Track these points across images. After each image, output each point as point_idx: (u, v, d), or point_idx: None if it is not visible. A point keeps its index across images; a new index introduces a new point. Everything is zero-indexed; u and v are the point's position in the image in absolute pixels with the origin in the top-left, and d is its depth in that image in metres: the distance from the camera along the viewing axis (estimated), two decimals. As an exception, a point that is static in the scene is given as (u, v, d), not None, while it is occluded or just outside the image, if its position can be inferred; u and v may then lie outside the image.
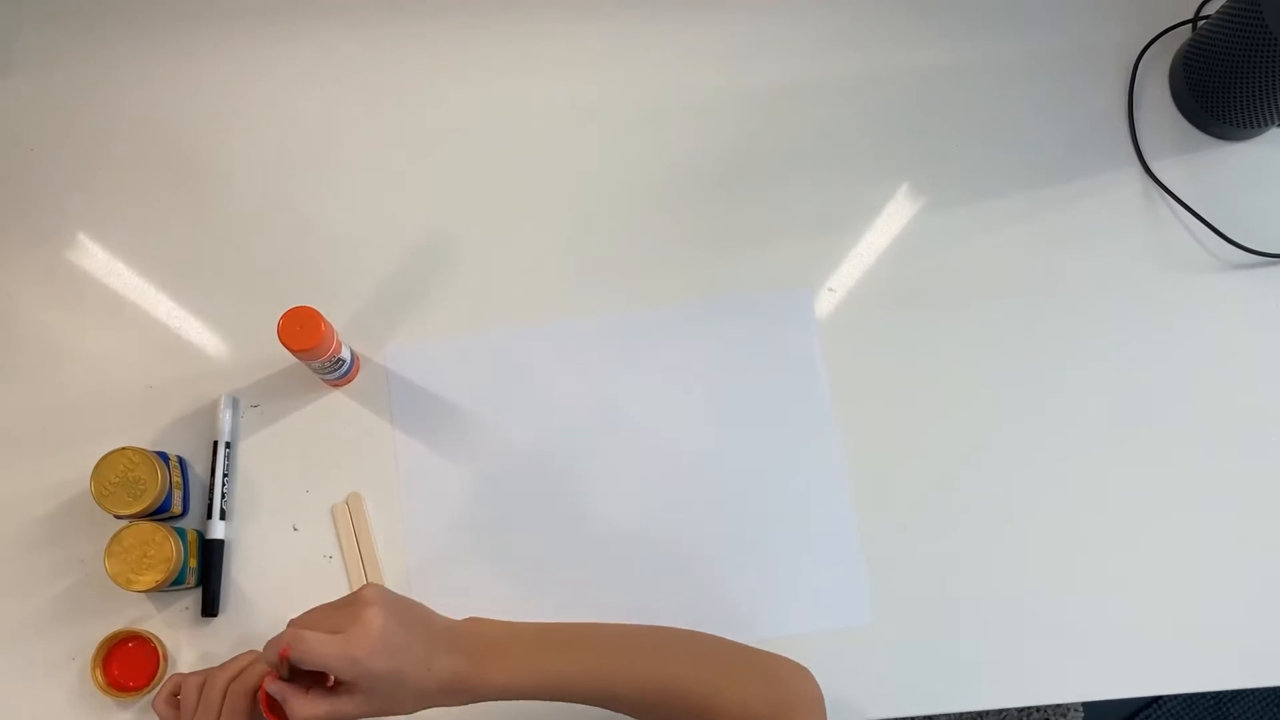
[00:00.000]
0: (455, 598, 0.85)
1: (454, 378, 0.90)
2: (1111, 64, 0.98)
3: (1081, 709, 1.77)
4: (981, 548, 0.88)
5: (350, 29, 0.97)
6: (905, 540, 0.88)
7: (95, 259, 0.92)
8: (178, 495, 0.84)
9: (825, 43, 0.98)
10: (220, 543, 0.85)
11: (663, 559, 0.87)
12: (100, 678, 0.81)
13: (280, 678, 0.65)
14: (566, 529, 0.87)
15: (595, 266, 0.93)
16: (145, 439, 0.87)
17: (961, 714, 1.75)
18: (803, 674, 0.73)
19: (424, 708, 0.66)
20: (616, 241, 0.93)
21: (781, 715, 0.70)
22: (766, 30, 0.98)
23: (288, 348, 0.78)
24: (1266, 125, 0.93)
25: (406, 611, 0.67)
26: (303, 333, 0.78)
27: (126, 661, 0.83)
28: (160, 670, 0.82)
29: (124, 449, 0.81)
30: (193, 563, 0.83)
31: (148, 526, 0.80)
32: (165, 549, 0.80)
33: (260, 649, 0.79)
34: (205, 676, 0.75)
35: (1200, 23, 0.97)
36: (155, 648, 0.83)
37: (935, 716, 1.74)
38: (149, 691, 0.82)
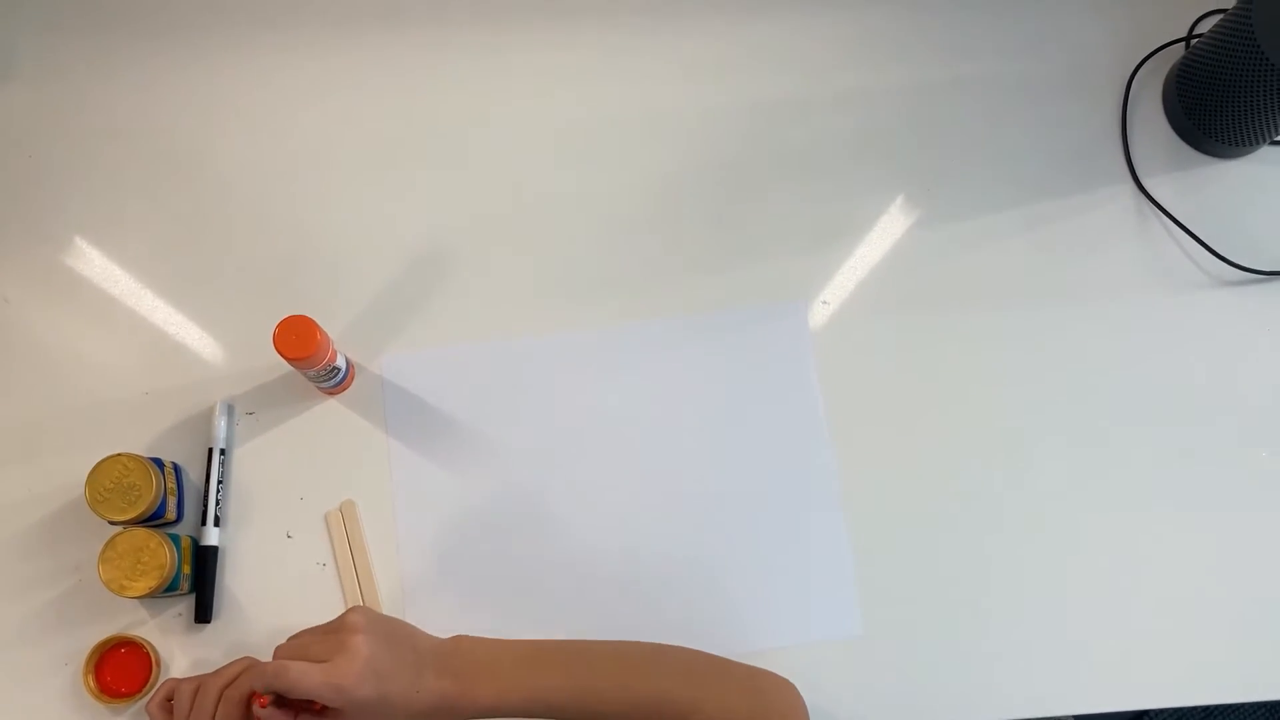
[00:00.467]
0: (448, 607, 0.86)
1: (449, 387, 0.90)
2: (1105, 81, 0.98)
3: (1073, 721, 1.77)
4: (974, 561, 0.88)
5: (350, 39, 0.97)
6: (897, 553, 0.88)
7: (92, 264, 0.92)
8: (172, 502, 0.84)
9: (820, 57, 0.98)
10: (214, 549, 0.85)
11: (656, 570, 0.87)
12: (93, 684, 0.81)
13: (269, 703, 0.65)
14: (559, 539, 0.87)
15: (591, 279, 0.93)
16: (140, 445, 0.87)
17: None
18: (786, 687, 0.73)
19: None
20: (612, 254, 0.94)
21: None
22: (763, 45, 0.98)
23: (283, 356, 0.78)
24: (1259, 143, 0.94)
25: (393, 634, 0.68)
26: (298, 341, 0.78)
27: (119, 667, 0.83)
28: (153, 676, 0.82)
29: (119, 455, 0.81)
30: (186, 569, 0.83)
31: (142, 533, 0.80)
32: (159, 555, 0.80)
33: (253, 657, 0.80)
34: (199, 683, 0.75)
35: (1193, 41, 0.97)
36: (148, 654, 0.83)
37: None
38: (141, 698, 0.82)
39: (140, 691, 0.82)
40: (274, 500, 0.87)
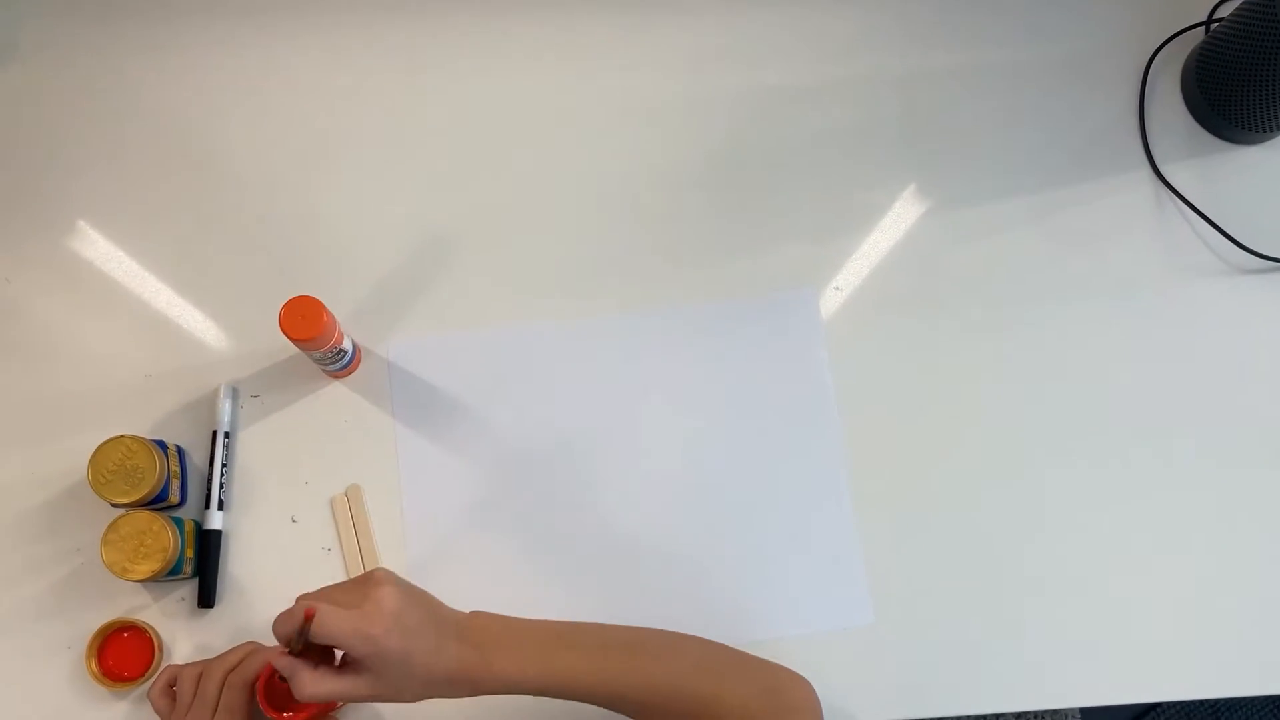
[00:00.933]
0: (455, 591, 0.84)
1: (456, 372, 0.89)
2: (1123, 66, 0.97)
3: (1079, 715, 1.77)
4: (984, 552, 0.87)
5: (357, 26, 0.96)
6: (908, 542, 0.87)
7: (96, 246, 0.91)
8: (175, 485, 0.84)
9: (834, 43, 0.97)
10: (218, 533, 0.84)
11: (663, 558, 0.86)
12: (95, 667, 0.81)
13: (290, 653, 0.64)
14: (567, 526, 0.86)
15: (600, 266, 0.92)
16: (144, 428, 0.86)
17: (959, 718, 1.75)
18: (802, 683, 0.73)
19: (428, 696, 0.66)
20: (622, 241, 0.92)
21: (789, 713, 0.70)
22: (777, 30, 0.97)
23: (289, 337, 0.77)
24: (1279, 129, 0.93)
25: (418, 597, 0.67)
26: (305, 322, 0.77)
27: (122, 651, 0.82)
28: (155, 661, 0.82)
29: (122, 437, 0.80)
30: (190, 553, 0.82)
31: (145, 515, 0.79)
32: (162, 538, 0.79)
33: (257, 641, 0.79)
34: (202, 668, 0.74)
35: (1213, 25, 0.96)
36: (151, 638, 0.82)
37: (933, 720, 1.73)
38: (144, 682, 0.82)
39: (143, 676, 0.81)
40: (279, 484, 0.86)
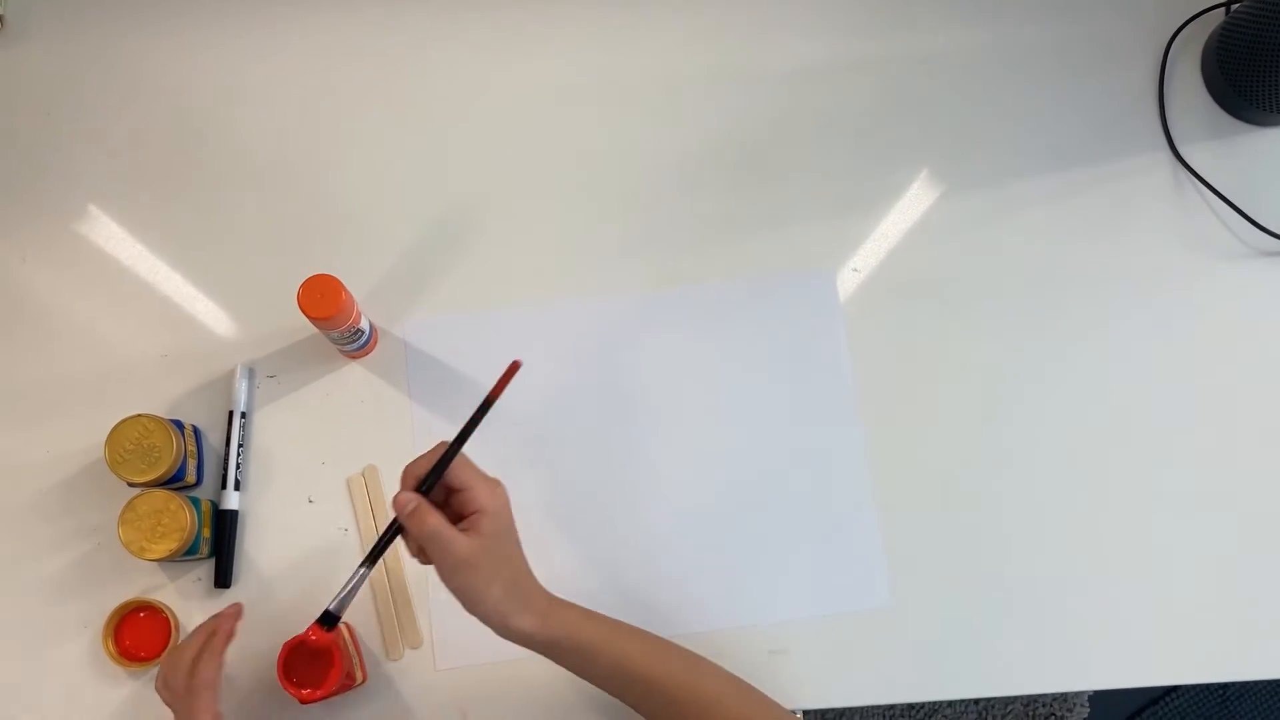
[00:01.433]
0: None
1: (473, 352, 0.89)
2: (1142, 47, 0.96)
3: (1088, 704, 1.77)
4: (1001, 533, 0.87)
5: (373, 4, 0.95)
6: (925, 523, 0.87)
7: (112, 226, 0.90)
8: (192, 464, 0.83)
9: (851, 23, 0.96)
10: (234, 513, 0.84)
11: (680, 540, 0.86)
12: (112, 647, 0.81)
13: (419, 491, 0.66)
14: (584, 506, 0.86)
15: (617, 246, 0.91)
16: (160, 408, 0.86)
17: (965, 703, 1.75)
18: None
19: (502, 607, 0.66)
20: (639, 221, 0.92)
21: None
22: (793, 11, 0.96)
23: (307, 315, 0.77)
24: (1300, 111, 0.92)
25: None
26: (323, 301, 0.77)
27: (138, 631, 0.82)
28: (172, 641, 0.81)
29: (139, 416, 0.80)
30: (206, 533, 0.82)
31: (162, 495, 0.79)
32: (179, 518, 0.79)
33: (223, 617, 0.79)
34: (183, 655, 0.74)
35: (1234, 6, 0.95)
36: (167, 618, 0.82)
37: (939, 703, 1.73)
38: (160, 661, 0.81)
39: (159, 656, 0.81)
40: (295, 464, 0.86)
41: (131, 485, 0.81)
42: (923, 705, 1.74)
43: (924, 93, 0.95)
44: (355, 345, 0.85)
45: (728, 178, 0.93)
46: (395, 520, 0.66)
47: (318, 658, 0.77)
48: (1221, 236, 0.92)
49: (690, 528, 0.86)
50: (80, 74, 0.93)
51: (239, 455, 0.85)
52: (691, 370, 0.89)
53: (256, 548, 0.85)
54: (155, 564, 0.83)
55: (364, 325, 0.84)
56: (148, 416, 0.80)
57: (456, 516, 0.67)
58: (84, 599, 0.83)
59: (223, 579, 0.83)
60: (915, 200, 0.93)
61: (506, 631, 0.67)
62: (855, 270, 0.91)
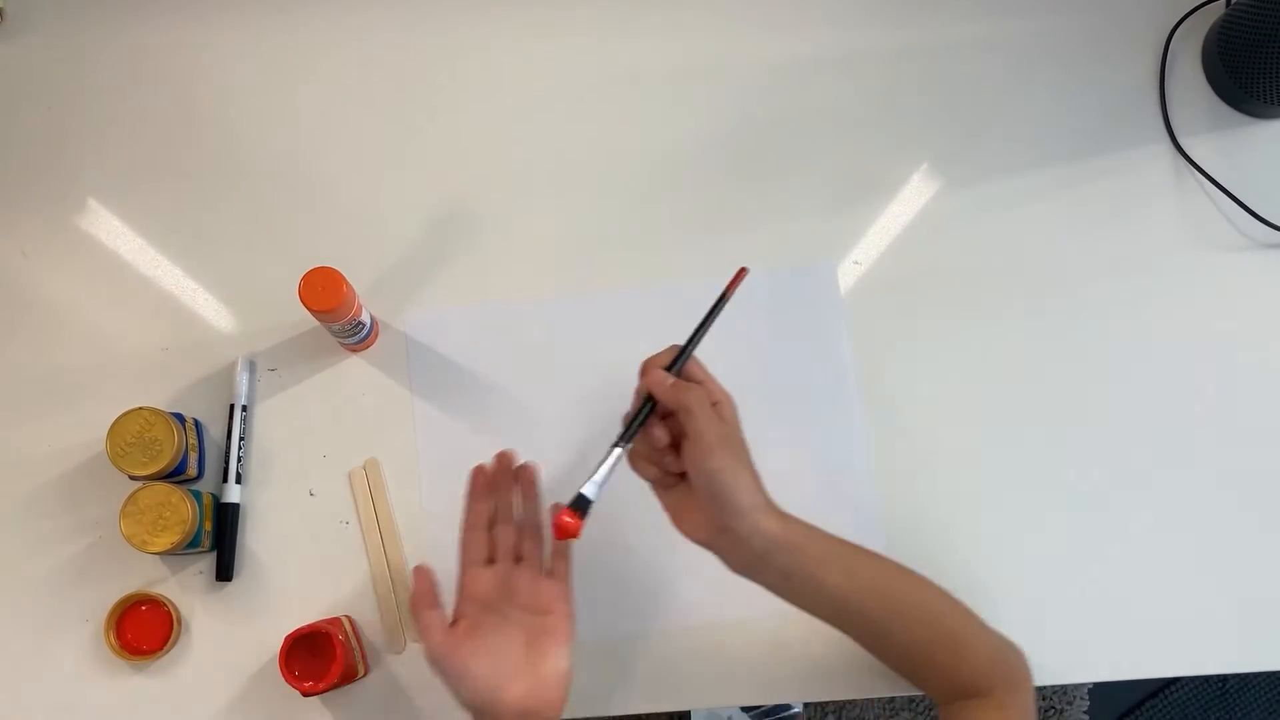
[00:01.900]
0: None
1: (474, 346, 0.89)
2: (1143, 39, 0.96)
3: (1087, 697, 1.77)
4: (1002, 525, 0.87)
5: (372, -8, 0.95)
6: (926, 515, 0.87)
7: (112, 219, 0.90)
8: (193, 458, 0.83)
9: (852, 16, 0.96)
10: (235, 506, 0.84)
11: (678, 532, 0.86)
12: (114, 640, 0.81)
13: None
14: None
15: (619, 240, 0.91)
16: (162, 402, 0.86)
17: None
18: (1023, 655, 0.74)
19: (756, 499, 0.66)
20: (641, 214, 0.92)
21: (1017, 682, 0.72)
22: (793, 4, 0.96)
23: (308, 308, 0.77)
24: (1301, 103, 0.92)
25: None
26: (324, 293, 0.77)
27: (140, 624, 0.82)
28: (174, 634, 0.82)
29: (140, 409, 0.80)
30: (208, 526, 0.82)
31: (163, 488, 0.79)
32: (181, 511, 0.79)
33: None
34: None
35: (1235, -2, 0.95)
36: (169, 611, 0.82)
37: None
38: (162, 654, 0.82)
39: (161, 649, 0.81)
40: (296, 458, 0.86)
41: (133, 478, 0.81)
42: (923, 698, 1.74)
43: (924, 85, 0.95)
44: (356, 338, 0.85)
45: (728, 171, 0.93)
46: (649, 397, 0.67)
47: (319, 651, 0.78)
48: (1222, 229, 0.92)
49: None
50: (80, 68, 0.93)
51: (240, 448, 0.85)
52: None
53: (258, 540, 0.85)
54: (157, 557, 0.83)
55: (365, 318, 0.84)
56: (149, 410, 0.80)
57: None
58: (86, 592, 0.83)
59: (224, 572, 0.83)
60: (916, 193, 0.93)
61: (755, 530, 0.66)
62: (857, 263, 0.91)
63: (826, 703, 1.73)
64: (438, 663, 0.69)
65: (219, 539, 0.84)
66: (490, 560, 0.76)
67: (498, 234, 0.91)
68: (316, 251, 0.89)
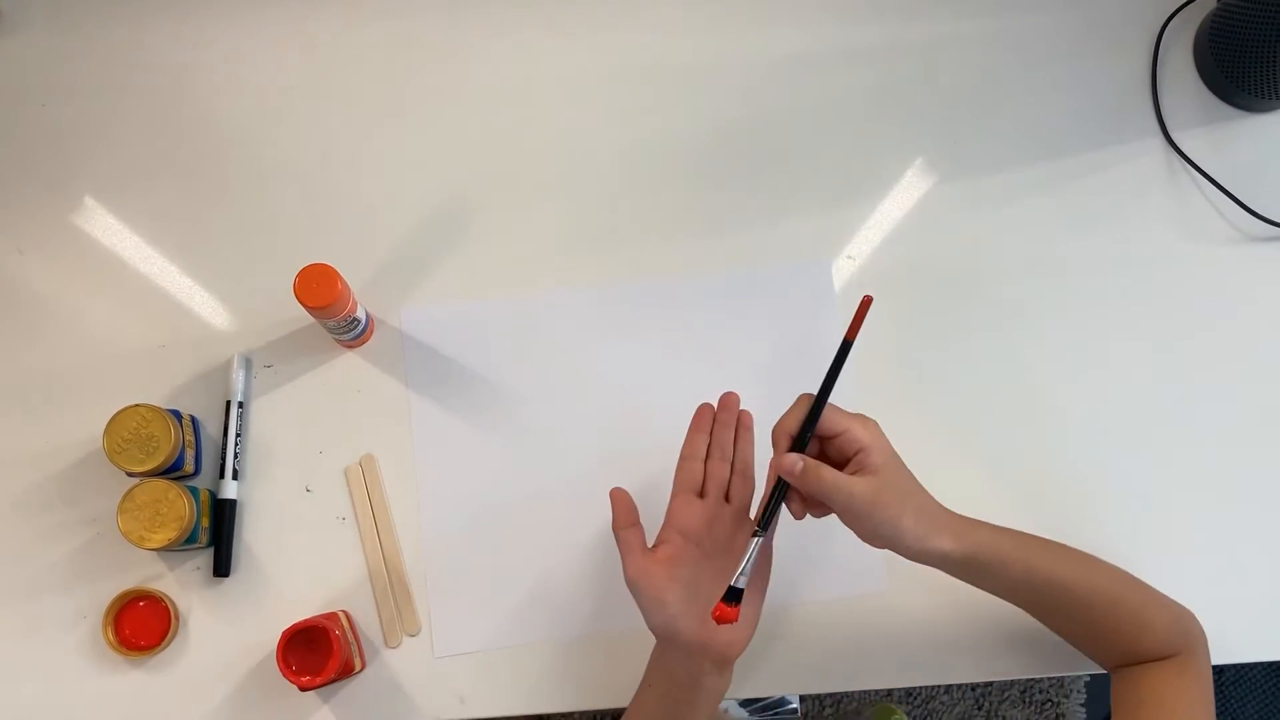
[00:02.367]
0: (469, 561, 0.85)
1: (470, 341, 0.89)
2: (1135, 34, 0.97)
3: (1084, 690, 1.78)
4: (999, 519, 0.86)
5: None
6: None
7: (108, 216, 0.91)
8: (190, 454, 0.84)
9: (844, 12, 0.96)
10: (232, 503, 0.85)
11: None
12: (111, 636, 0.81)
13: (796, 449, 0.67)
14: (582, 494, 0.86)
15: (613, 236, 0.92)
16: (158, 399, 0.86)
17: (962, 688, 1.75)
18: (1197, 621, 0.74)
19: (918, 532, 0.67)
20: (635, 210, 0.92)
21: (1195, 647, 0.72)
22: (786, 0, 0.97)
23: (303, 304, 0.77)
24: (1293, 97, 0.93)
25: None
26: (319, 289, 0.77)
27: (138, 620, 0.82)
28: (171, 630, 0.82)
29: (137, 405, 0.80)
30: (205, 522, 0.83)
31: (160, 484, 0.80)
32: (178, 507, 0.79)
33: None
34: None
35: (1227, -8, 0.95)
36: (167, 607, 0.82)
37: (936, 688, 1.74)
38: (160, 651, 0.82)
39: (159, 645, 0.82)
40: (293, 454, 0.86)
41: (130, 475, 0.81)
42: (920, 690, 1.75)
43: (918, 81, 0.95)
44: (352, 335, 0.85)
45: (723, 167, 0.93)
46: (779, 482, 0.67)
47: (316, 645, 0.78)
48: (1215, 222, 0.93)
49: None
50: (77, 65, 0.93)
51: (237, 445, 0.85)
52: (687, 358, 0.89)
53: (255, 537, 0.85)
54: (154, 553, 0.84)
55: (360, 314, 0.84)
56: (145, 406, 0.81)
57: (836, 463, 0.68)
58: (83, 588, 0.83)
59: (221, 568, 0.84)
60: (909, 188, 0.93)
61: (925, 555, 0.67)
62: (850, 258, 0.91)
63: (824, 695, 1.74)
64: (634, 584, 0.71)
65: (216, 535, 0.84)
66: (701, 494, 0.77)
67: (493, 230, 0.91)
68: (312, 247, 0.90)
